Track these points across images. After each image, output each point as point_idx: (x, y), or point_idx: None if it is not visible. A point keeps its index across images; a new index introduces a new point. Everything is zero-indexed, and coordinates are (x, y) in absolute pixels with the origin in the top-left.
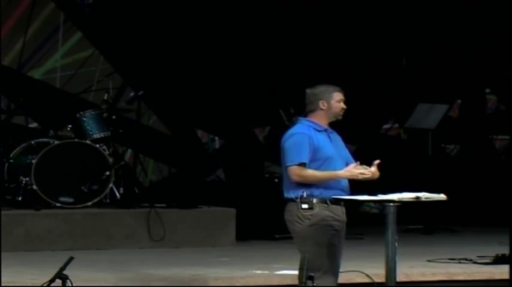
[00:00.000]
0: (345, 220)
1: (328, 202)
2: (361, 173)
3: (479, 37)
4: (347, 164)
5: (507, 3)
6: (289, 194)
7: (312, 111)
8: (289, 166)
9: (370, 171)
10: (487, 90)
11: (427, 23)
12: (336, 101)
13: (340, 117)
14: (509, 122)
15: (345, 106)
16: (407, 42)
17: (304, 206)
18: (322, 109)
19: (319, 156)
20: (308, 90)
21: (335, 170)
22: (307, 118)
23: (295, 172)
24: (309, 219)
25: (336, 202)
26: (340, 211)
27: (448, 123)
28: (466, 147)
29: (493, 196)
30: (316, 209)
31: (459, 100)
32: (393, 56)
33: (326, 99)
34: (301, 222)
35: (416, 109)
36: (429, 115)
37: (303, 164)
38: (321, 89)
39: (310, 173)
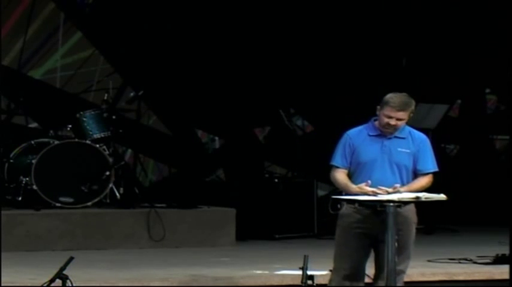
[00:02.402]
0: (381, 222)
1: (357, 204)
2: (374, 192)
3: (479, 37)
4: (412, 171)
5: (507, 3)
6: None
7: None
8: (330, 164)
9: (386, 191)
10: (487, 90)
11: (427, 23)
12: (383, 114)
13: (386, 131)
14: (509, 122)
15: (392, 122)
16: (407, 42)
17: (338, 205)
18: (377, 115)
19: (355, 160)
20: None
21: (370, 176)
22: (373, 121)
23: (331, 171)
24: (338, 219)
25: (368, 204)
26: (371, 213)
27: (448, 123)
28: (466, 147)
29: (493, 196)
30: (343, 210)
31: (459, 100)
32: (393, 56)
33: (381, 108)
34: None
35: (416, 109)
36: (429, 115)
37: (335, 167)
38: (386, 97)
39: (337, 177)
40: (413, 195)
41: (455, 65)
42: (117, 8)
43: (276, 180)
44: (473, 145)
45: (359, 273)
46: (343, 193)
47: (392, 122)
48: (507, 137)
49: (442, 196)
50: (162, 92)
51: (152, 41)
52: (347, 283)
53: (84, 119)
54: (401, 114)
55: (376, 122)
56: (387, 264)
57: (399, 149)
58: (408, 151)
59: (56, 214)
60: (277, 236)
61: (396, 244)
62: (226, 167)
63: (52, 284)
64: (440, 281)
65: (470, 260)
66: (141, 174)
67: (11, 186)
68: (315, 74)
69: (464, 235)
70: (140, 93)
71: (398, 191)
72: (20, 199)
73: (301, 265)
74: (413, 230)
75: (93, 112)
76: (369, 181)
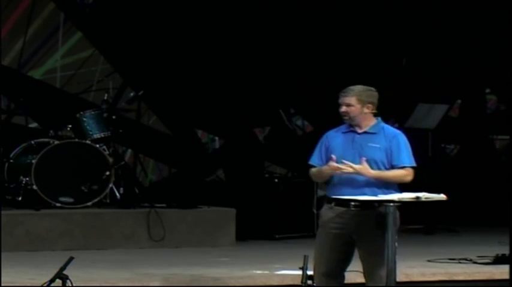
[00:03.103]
0: (356, 222)
1: (333, 203)
2: (338, 168)
3: (479, 37)
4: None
5: (507, 3)
6: None
7: None
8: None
9: (352, 167)
10: (487, 90)
11: (427, 23)
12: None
13: (345, 121)
14: (509, 122)
15: (342, 109)
16: (407, 42)
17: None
18: None
19: (329, 157)
20: None
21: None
22: None
23: (309, 170)
24: (319, 218)
25: (342, 203)
26: (345, 212)
27: (448, 123)
28: (466, 147)
29: (493, 196)
30: (323, 210)
31: (459, 100)
32: (393, 56)
33: None
34: None
35: (416, 109)
36: (429, 115)
37: (311, 166)
38: None
39: (311, 172)
40: (413, 195)
41: (455, 65)
42: (117, 8)
43: (276, 180)
44: (473, 145)
45: (336, 273)
46: (319, 187)
47: (342, 109)
48: (507, 137)
49: (442, 196)
50: (162, 92)
51: (152, 41)
52: (324, 282)
53: (84, 119)
54: (348, 100)
55: None
56: (387, 264)
57: (370, 144)
58: (379, 145)
59: (56, 214)
60: (277, 236)
61: (376, 245)
62: (226, 167)
63: (52, 284)
64: (440, 281)
65: (470, 260)
66: (141, 174)
67: (11, 186)
68: (315, 74)
69: (464, 235)
70: (140, 93)
71: (366, 169)
72: (20, 199)
73: (301, 265)
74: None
75: (93, 112)
76: (333, 156)
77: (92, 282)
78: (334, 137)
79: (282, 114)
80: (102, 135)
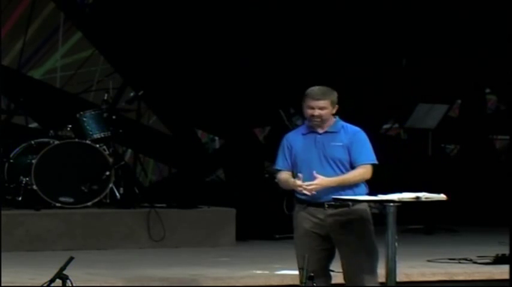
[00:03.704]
0: (332, 222)
1: (306, 204)
2: (302, 187)
3: (480, 37)
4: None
5: (507, 3)
6: None
7: None
8: (274, 168)
9: (307, 189)
10: (487, 90)
11: (427, 23)
12: (306, 106)
13: (314, 124)
14: (509, 122)
15: (315, 113)
16: (407, 42)
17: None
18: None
19: (294, 160)
20: None
21: (309, 173)
22: (308, 121)
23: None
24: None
25: (316, 203)
26: (319, 213)
27: (448, 123)
28: (466, 147)
29: (493, 196)
30: (296, 211)
31: (459, 100)
32: (393, 56)
33: (304, 102)
34: None
35: (416, 109)
36: (429, 115)
37: (278, 170)
38: (307, 90)
39: (279, 177)
40: (413, 195)
41: (455, 65)
42: (117, 8)
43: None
44: (473, 145)
45: (321, 272)
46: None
47: (316, 112)
48: (507, 137)
49: (442, 196)
50: (162, 92)
51: (152, 41)
52: (310, 283)
53: (84, 119)
54: (322, 103)
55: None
56: (387, 263)
57: (332, 143)
58: (341, 143)
59: (56, 214)
60: (277, 236)
61: (353, 246)
62: (226, 167)
63: (52, 284)
64: (440, 281)
65: (470, 260)
66: (141, 174)
67: (11, 186)
68: (315, 74)
69: (464, 235)
70: (140, 93)
71: (324, 181)
72: (20, 199)
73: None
74: (370, 229)
75: (93, 112)
76: (300, 175)
77: (92, 282)
78: (295, 140)
79: (282, 114)
80: (102, 136)
